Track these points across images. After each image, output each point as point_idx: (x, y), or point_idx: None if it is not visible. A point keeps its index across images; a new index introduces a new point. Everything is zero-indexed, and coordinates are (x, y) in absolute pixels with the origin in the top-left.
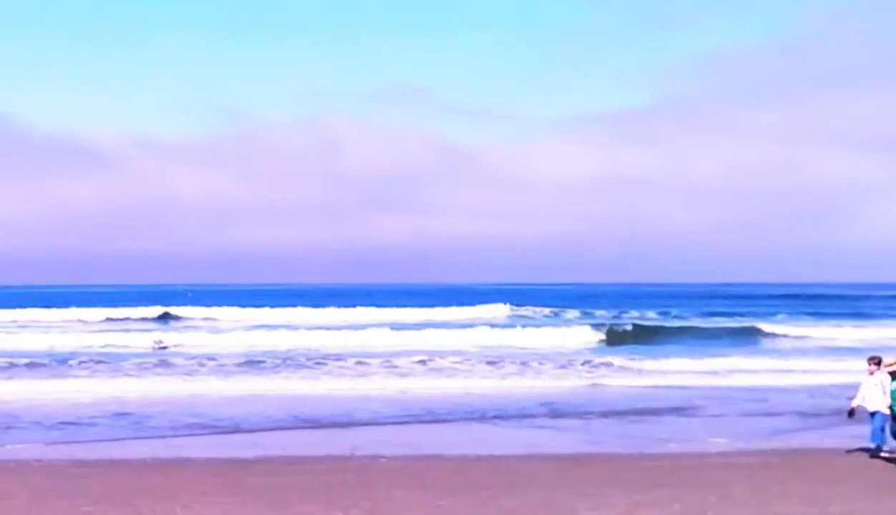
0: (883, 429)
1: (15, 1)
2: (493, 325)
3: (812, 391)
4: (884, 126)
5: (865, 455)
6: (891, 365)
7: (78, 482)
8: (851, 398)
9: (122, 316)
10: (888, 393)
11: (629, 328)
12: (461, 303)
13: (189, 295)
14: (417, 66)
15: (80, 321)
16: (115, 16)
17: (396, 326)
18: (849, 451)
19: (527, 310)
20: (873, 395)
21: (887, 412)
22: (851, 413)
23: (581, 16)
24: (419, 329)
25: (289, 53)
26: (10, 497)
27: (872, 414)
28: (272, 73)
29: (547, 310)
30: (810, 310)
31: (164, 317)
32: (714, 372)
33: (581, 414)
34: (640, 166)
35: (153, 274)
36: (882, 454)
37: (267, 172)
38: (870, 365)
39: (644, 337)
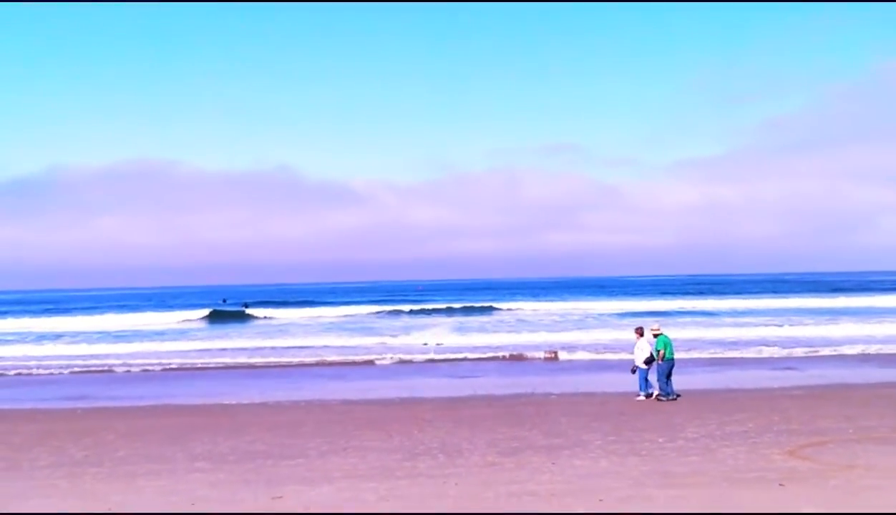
0: (647, 379)
1: (289, 81)
2: None
3: None
4: (878, 166)
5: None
6: (652, 330)
7: (347, 415)
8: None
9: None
10: (647, 351)
11: None
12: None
13: (419, 288)
14: (573, 128)
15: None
16: (365, 92)
17: None
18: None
19: None
20: (638, 355)
21: (645, 367)
22: (634, 370)
23: (676, 91)
24: None
25: (483, 123)
26: (301, 426)
27: (638, 369)
28: (472, 136)
29: None
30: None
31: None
32: None
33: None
34: (723, 196)
35: (393, 274)
36: (651, 396)
37: (471, 205)
38: (636, 333)
39: None
